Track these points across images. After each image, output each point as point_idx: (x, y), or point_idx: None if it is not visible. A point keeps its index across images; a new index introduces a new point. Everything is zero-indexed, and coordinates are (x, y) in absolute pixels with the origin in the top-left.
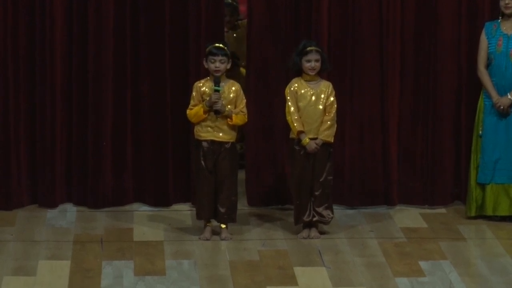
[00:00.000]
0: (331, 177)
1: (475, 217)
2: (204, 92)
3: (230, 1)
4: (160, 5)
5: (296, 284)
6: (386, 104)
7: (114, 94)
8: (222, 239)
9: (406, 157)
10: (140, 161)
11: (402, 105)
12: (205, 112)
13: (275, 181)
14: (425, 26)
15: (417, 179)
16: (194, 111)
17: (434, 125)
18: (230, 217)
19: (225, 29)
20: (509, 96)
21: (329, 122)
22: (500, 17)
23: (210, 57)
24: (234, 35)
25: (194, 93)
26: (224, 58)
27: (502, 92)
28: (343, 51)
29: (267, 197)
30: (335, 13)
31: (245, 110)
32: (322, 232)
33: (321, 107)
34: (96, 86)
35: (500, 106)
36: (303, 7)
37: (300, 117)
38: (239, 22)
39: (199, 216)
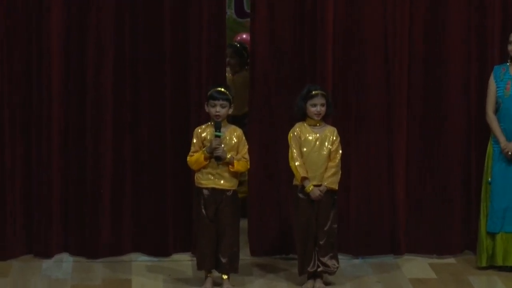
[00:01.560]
0: (335, 226)
1: (486, 268)
2: (205, 138)
3: (235, 43)
4: (159, 49)
5: None
6: (392, 149)
7: (113, 139)
8: None
9: (413, 204)
10: (139, 209)
11: (410, 151)
12: (205, 159)
13: (279, 230)
14: (433, 69)
15: (426, 227)
16: (195, 157)
17: (443, 171)
18: (232, 267)
19: (231, 73)
20: None
21: (333, 169)
22: (509, 61)
23: (211, 101)
24: (240, 80)
25: (194, 140)
26: (225, 102)
27: (510, 138)
28: (348, 95)
29: (270, 247)
30: (340, 57)
31: (247, 156)
32: (327, 283)
33: (325, 153)
34: (94, 132)
35: (508, 152)
36: (307, 51)
37: (304, 163)
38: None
39: (199, 266)
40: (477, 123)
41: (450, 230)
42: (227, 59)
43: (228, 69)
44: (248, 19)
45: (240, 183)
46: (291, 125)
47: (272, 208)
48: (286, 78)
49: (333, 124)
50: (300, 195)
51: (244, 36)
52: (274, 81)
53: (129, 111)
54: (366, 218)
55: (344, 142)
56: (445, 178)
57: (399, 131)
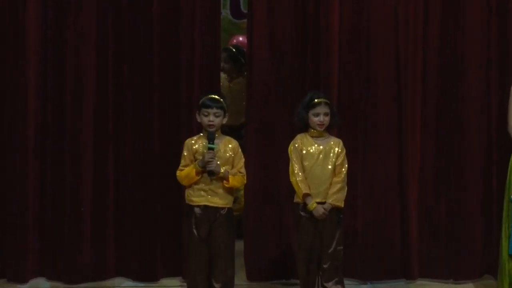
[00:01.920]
0: (341, 247)
1: None
2: (197, 150)
3: (230, 47)
4: (147, 53)
5: None
6: (405, 163)
7: (94, 153)
8: None
9: (428, 223)
10: (123, 229)
11: (424, 165)
12: (197, 173)
13: (278, 252)
14: (449, 74)
15: (441, 249)
16: (185, 172)
17: (460, 188)
18: None
19: (228, 80)
20: None
21: (339, 185)
22: None
23: (204, 109)
24: (236, 87)
25: (185, 152)
26: (219, 111)
27: None
28: (355, 103)
29: (269, 271)
30: (346, 62)
31: (243, 170)
32: None
33: (330, 167)
34: (73, 146)
35: None
36: (310, 54)
37: (306, 178)
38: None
39: None
40: (498, 134)
41: (468, 253)
42: (222, 65)
43: (225, 76)
44: (245, 20)
45: (235, 200)
46: (293, 137)
47: (270, 228)
48: (287, 84)
49: (338, 136)
50: (302, 213)
51: (241, 38)
52: (274, 88)
53: (112, 122)
54: (375, 239)
55: (351, 155)
56: (462, 195)
57: (411, 144)
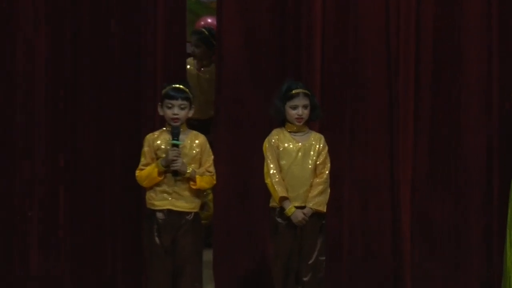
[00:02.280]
0: (323, 258)
1: None
2: (159, 147)
3: (202, 29)
4: (103, 36)
5: None
6: (396, 161)
7: (46, 150)
8: None
9: (422, 230)
10: (76, 239)
11: (417, 164)
12: (160, 174)
13: (252, 263)
14: (445, 66)
15: (436, 259)
16: (146, 172)
17: (458, 190)
18: None
19: (196, 68)
20: None
21: (320, 186)
22: None
23: (167, 101)
24: (206, 76)
25: (145, 148)
26: (185, 102)
27: None
28: (341, 94)
29: (241, 284)
30: (331, 46)
31: (212, 169)
32: None
33: (310, 166)
34: (22, 132)
35: None
36: (290, 37)
37: (283, 180)
38: None
39: None
40: (501, 131)
41: (468, 264)
42: (192, 49)
43: (193, 63)
44: (214, 0)
45: (202, 207)
46: (268, 132)
47: (243, 236)
48: (263, 72)
49: (320, 131)
50: (279, 219)
51: (209, 20)
52: (247, 77)
53: (65, 115)
54: (363, 248)
55: (334, 153)
56: (461, 199)
57: (404, 140)
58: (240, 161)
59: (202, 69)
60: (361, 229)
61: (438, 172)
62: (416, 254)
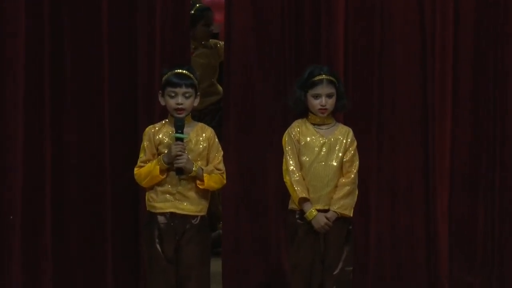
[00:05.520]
0: (350, 268)
1: None
2: (160, 141)
3: (199, 5)
4: (93, 14)
5: None
6: (432, 161)
7: (26, 145)
8: None
9: (460, 239)
10: (63, 247)
11: (455, 164)
12: (162, 172)
13: (266, 275)
14: (487, 56)
15: (477, 272)
16: (146, 169)
17: (502, 194)
18: None
19: (192, 48)
20: None
21: (347, 187)
22: None
23: (169, 89)
24: (201, 61)
25: (145, 143)
26: (190, 90)
27: None
28: (367, 87)
29: None
30: (356, 26)
31: (222, 167)
32: None
33: (335, 164)
34: (2, 122)
35: None
36: (308, 18)
37: (304, 178)
38: (212, 41)
39: None
40: None
41: None
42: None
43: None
44: None
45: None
46: (286, 125)
47: (256, 243)
48: (277, 59)
49: (345, 124)
50: (299, 222)
51: None
52: (259, 63)
53: (50, 106)
54: (393, 258)
55: (362, 150)
56: (505, 203)
57: (441, 135)
58: (252, 158)
59: (196, 52)
60: (391, 236)
61: (480, 172)
62: (454, 267)
